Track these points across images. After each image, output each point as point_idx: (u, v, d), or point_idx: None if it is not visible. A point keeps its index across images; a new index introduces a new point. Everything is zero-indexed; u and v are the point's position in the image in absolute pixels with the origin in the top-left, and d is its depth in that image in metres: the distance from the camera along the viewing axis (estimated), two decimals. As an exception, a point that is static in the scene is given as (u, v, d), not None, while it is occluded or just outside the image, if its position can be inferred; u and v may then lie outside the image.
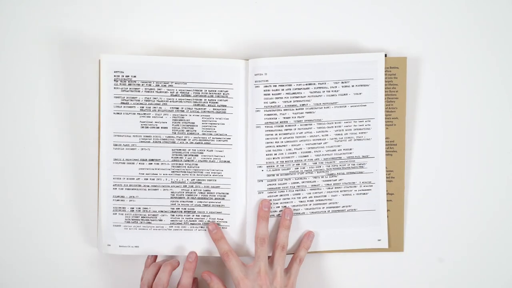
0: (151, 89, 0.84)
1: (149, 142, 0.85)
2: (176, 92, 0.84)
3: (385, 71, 0.84)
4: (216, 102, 0.84)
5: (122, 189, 0.85)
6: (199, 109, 0.84)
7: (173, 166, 0.85)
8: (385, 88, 0.84)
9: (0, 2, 0.88)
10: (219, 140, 0.85)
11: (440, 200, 0.89)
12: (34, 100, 0.88)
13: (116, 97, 0.84)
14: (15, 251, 0.89)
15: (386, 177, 0.86)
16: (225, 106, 0.84)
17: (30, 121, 0.88)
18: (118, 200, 0.85)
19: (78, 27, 0.88)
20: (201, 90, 0.84)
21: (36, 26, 0.88)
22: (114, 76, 0.84)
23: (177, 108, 0.84)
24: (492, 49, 0.89)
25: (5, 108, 0.88)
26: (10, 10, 0.87)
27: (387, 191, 0.86)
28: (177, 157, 0.85)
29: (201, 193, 0.85)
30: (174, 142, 0.84)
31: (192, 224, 0.85)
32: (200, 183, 0.85)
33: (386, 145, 0.85)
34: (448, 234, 0.89)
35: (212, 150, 0.85)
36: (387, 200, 0.86)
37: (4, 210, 0.89)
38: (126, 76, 0.84)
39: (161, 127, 0.84)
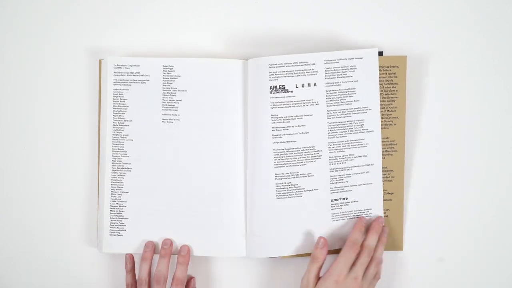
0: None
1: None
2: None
3: (385, 70, 0.85)
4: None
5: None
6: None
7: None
8: (385, 87, 0.85)
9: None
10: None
11: (440, 200, 0.90)
12: (34, 100, 0.90)
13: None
14: (15, 251, 0.91)
15: (386, 177, 0.87)
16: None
17: (30, 121, 0.90)
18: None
19: (79, 28, 0.90)
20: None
21: (37, 27, 0.90)
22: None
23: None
24: (493, 48, 0.89)
25: (6, 109, 0.90)
26: (11, 10, 0.90)
27: (386, 190, 0.87)
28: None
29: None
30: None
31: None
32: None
33: (386, 144, 0.86)
34: (448, 234, 0.90)
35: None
36: (386, 200, 0.87)
37: (4, 210, 0.91)
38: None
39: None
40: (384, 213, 0.87)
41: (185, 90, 0.86)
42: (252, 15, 0.90)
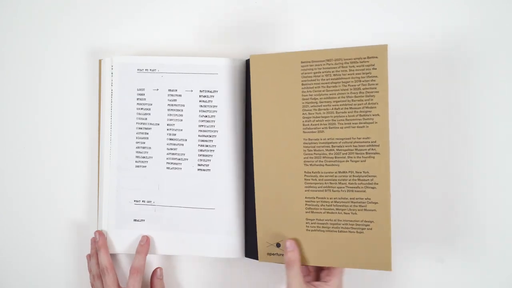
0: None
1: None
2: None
3: (362, 62, 0.77)
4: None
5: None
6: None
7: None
8: (362, 80, 0.77)
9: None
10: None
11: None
12: (34, 100, 0.94)
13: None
14: (14, 250, 0.95)
15: (368, 183, 0.78)
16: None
17: (30, 121, 0.94)
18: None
19: (79, 28, 0.94)
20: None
21: (37, 27, 0.94)
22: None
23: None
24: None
25: (6, 109, 0.95)
26: (11, 10, 0.94)
27: (370, 199, 0.78)
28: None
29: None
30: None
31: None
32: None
33: (366, 146, 0.78)
34: (445, 238, 0.87)
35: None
36: (370, 210, 0.78)
37: (4, 210, 0.95)
38: None
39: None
40: (367, 225, 0.78)
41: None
42: (253, 15, 0.90)
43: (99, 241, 0.88)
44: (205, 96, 0.87)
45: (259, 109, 0.82)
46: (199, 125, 0.87)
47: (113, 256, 0.92)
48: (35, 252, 0.94)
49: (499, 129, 0.85)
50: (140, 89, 0.89)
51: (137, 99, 0.89)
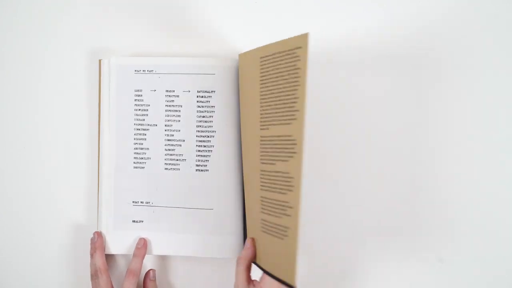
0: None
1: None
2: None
3: (287, 54, 0.72)
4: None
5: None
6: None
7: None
8: (291, 74, 0.71)
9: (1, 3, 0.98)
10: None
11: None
12: (34, 100, 0.95)
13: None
14: (14, 250, 0.95)
15: (289, 185, 0.71)
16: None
17: (30, 121, 0.95)
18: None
19: (79, 28, 0.94)
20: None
21: (37, 27, 0.95)
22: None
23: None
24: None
25: (6, 108, 0.96)
26: (11, 10, 0.96)
27: (288, 202, 0.71)
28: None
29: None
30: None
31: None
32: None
33: (288, 144, 0.72)
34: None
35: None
36: (287, 215, 0.71)
37: (4, 210, 0.96)
38: None
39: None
40: (285, 231, 0.72)
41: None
42: (253, 15, 0.90)
43: (97, 242, 0.89)
44: (202, 96, 0.87)
45: (242, 107, 0.83)
46: (196, 126, 0.88)
47: (111, 257, 0.93)
48: (35, 252, 0.96)
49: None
50: (138, 90, 0.90)
51: (135, 100, 0.90)
